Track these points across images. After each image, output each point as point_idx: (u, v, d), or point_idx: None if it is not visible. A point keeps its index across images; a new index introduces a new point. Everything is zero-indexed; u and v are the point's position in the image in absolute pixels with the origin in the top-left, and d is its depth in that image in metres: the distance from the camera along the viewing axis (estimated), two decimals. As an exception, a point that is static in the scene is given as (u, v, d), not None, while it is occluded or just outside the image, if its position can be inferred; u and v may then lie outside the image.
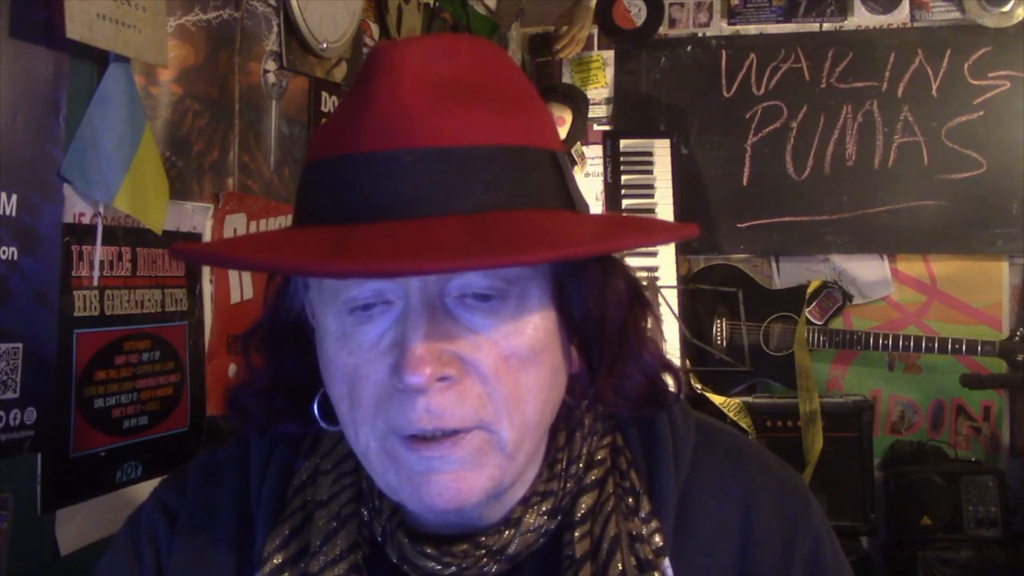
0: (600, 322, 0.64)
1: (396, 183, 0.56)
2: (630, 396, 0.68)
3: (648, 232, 0.65)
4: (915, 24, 3.05)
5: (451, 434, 0.58)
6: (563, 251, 0.57)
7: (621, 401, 0.68)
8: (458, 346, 0.58)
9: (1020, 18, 2.91)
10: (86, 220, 1.26)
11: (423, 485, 0.58)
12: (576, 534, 0.65)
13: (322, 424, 0.68)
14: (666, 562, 0.65)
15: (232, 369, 1.55)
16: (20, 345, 1.14)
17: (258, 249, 0.61)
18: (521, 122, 0.61)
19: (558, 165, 0.62)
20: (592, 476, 0.67)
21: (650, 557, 0.64)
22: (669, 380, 0.70)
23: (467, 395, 0.58)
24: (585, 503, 0.66)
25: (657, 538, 0.66)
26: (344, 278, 0.58)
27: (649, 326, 0.68)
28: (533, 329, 0.60)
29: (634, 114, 3.23)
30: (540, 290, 0.61)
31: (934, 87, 3.01)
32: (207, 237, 1.51)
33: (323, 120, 1.88)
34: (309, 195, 0.61)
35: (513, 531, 0.64)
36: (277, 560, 0.67)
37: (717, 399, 2.73)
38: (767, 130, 3.11)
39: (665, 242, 0.61)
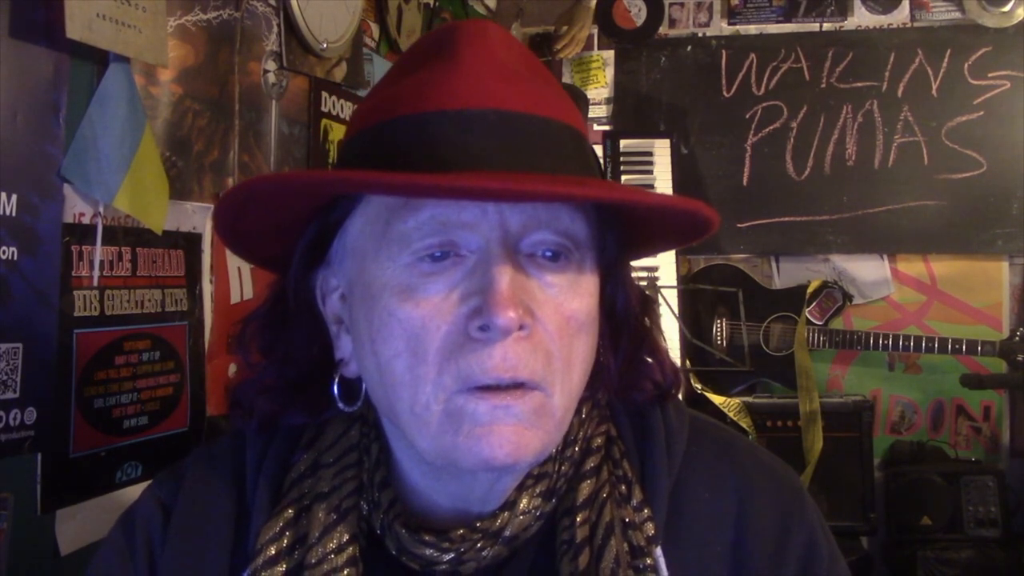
0: (630, 309, 0.69)
1: (481, 138, 0.60)
2: (642, 387, 0.71)
3: (698, 201, 0.66)
4: (915, 24, 3.05)
5: (519, 385, 0.59)
6: (658, 198, 0.64)
7: (632, 392, 0.71)
8: (531, 299, 0.60)
9: (1020, 18, 2.91)
10: (86, 220, 1.26)
11: (485, 437, 0.59)
12: (577, 519, 0.66)
13: (340, 405, 0.68)
14: (658, 550, 0.66)
15: (232, 369, 1.55)
16: (20, 345, 1.14)
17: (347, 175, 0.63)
18: (572, 108, 0.66)
19: (594, 151, 0.69)
20: (590, 463, 0.69)
21: (642, 544, 0.66)
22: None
23: (538, 348, 0.60)
24: (585, 490, 0.67)
25: (649, 526, 0.67)
26: (465, 197, 0.59)
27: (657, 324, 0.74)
28: (588, 296, 0.64)
29: (634, 114, 3.23)
30: (592, 263, 0.65)
31: (934, 87, 3.01)
32: (207, 237, 1.51)
33: (325, 118, 1.89)
34: (388, 146, 0.62)
35: (508, 513, 0.65)
36: (271, 551, 0.67)
37: (717, 399, 2.73)
38: (767, 130, 3.11)
39: (715, 218, 0.65)
